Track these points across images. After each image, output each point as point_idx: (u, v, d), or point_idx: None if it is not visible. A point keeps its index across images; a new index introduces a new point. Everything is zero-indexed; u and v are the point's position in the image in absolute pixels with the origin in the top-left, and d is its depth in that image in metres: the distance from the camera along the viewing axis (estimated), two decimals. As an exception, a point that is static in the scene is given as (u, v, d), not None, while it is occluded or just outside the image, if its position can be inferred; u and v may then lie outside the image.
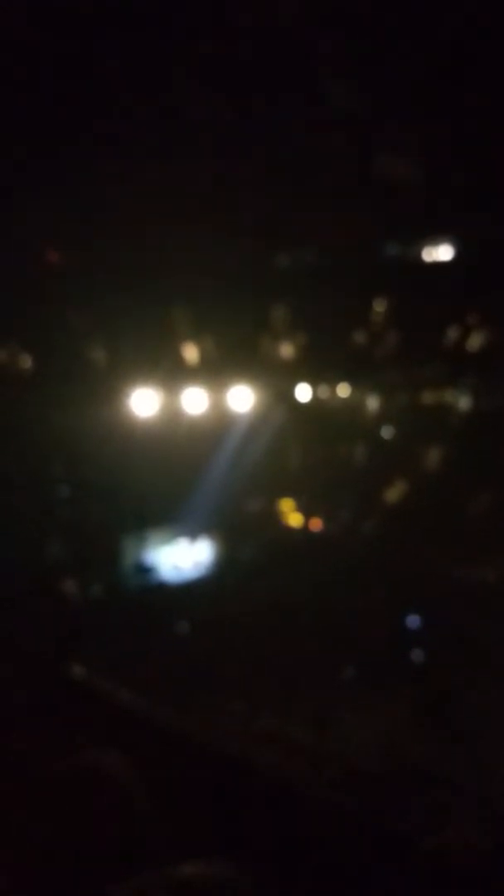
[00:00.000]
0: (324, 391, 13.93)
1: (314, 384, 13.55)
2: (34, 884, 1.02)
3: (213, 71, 7.94)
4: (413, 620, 11.40)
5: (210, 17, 7.07)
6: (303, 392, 13.40)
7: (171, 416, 12.31)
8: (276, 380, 13.20)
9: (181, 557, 13.22)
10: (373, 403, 14.37)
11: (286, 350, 13.27)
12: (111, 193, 9.33)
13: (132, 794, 1.12)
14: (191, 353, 12.76)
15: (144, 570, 12.98)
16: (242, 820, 2.91)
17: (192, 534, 13.29)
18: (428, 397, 14.26)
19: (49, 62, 7.35)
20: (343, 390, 14.12)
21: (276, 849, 2.81)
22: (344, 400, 14.22)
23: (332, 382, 13.91)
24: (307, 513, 13.88)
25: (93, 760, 1.15)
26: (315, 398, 13.68)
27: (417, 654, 10.84)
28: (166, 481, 12.22)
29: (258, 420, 13.24)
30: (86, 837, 1.06)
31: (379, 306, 13.04)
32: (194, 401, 12.44)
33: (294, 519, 13.94)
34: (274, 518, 13.89)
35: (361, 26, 7.20)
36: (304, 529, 13.89)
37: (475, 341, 13.00)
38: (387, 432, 14.25)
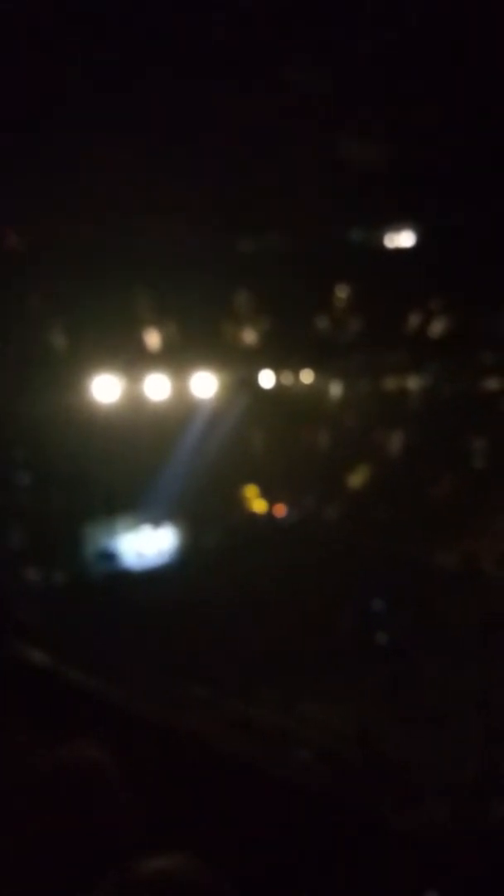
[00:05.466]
0: (287, 377, 13.94)
1: (278, 370, 13.55)
2: (22, 881, 1.01)
3: (179, 55, 7.84)
4: (378, 603, 11.52)
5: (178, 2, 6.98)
6: (266, 378, 13.39)
7: (134, 402, 12.21)
8: (240, 366, 13.17)
9: (144, 544, 13.15)
10: (336, 389, 14.42)
11: (249, 336, 13.24)
12: (73, 177, 9.19)
13: (118, 787, 1.12)
14: (153, 338, 12.65)
15: (107, 557, 12.88)
16: (212, 807, 2.91)
17: (156, 520, 13.22)
18: (390, 383, 14.35)
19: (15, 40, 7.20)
20: (306, 376, 14.15)
21: (244, 834, 2.82)
22: (307, 386, 14.25)
23: (296, 368, 13.92)
24: (271, 499, 13.90)
25: (78, 754, 1.13)
26: (278, 384, 13.68)
27: (382, 637, 10.97)
28: (128, 468, 12.13)
29: (221, 406, 13.20)
30: (75, 833, 1.05)
31: (342, 292, 13.07)
32: (157, 387, 12.36)
33: (258, 505, 13.96)
34: (238, 504, 13.89)
35: (327, 11, 7.16)
36: (269, 515, 13.91)
37: (437, 327, 13.11)
38: (350, 418, 14.33)
